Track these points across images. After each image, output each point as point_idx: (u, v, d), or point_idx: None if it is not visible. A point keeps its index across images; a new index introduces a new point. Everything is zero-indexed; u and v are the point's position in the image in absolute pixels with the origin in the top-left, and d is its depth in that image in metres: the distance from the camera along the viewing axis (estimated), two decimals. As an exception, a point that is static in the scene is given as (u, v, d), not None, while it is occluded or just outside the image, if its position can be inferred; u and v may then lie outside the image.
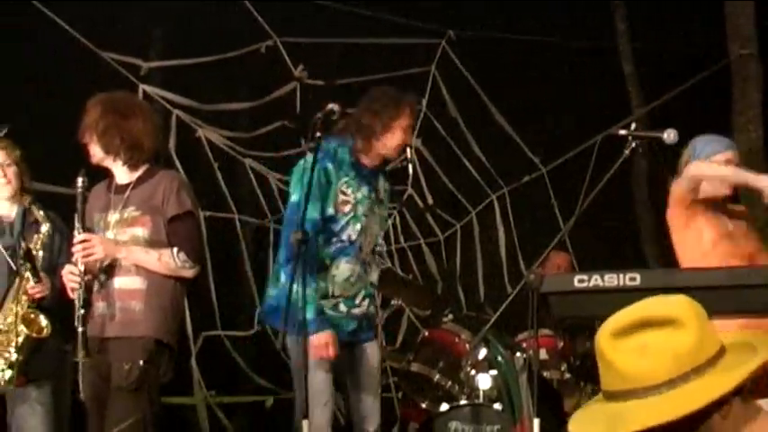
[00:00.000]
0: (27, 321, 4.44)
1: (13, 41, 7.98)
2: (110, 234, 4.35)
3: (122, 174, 4.44)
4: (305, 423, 3.95)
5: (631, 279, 2.58)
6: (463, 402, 5.01)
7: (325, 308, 4.55)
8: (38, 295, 4.48)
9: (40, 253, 4.54)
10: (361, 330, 4.68)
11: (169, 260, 4.29)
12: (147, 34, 9.17)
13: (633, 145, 3.94)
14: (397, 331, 8.04)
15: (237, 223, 8.06)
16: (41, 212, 4.58)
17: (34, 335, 4.44)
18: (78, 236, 4.28)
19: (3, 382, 4.41)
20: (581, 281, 2.74)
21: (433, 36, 8.08)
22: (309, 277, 4.28)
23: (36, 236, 4.57)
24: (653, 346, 1.83)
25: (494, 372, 5.07)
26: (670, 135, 3.95)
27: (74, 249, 4.28)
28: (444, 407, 5.01)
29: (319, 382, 4.44)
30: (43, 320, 4.47)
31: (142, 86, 7.14)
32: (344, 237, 4.57)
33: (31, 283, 4.43)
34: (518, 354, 5.21)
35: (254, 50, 7.62)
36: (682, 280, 2.65)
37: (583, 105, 10.09)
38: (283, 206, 7.81)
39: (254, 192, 8.07)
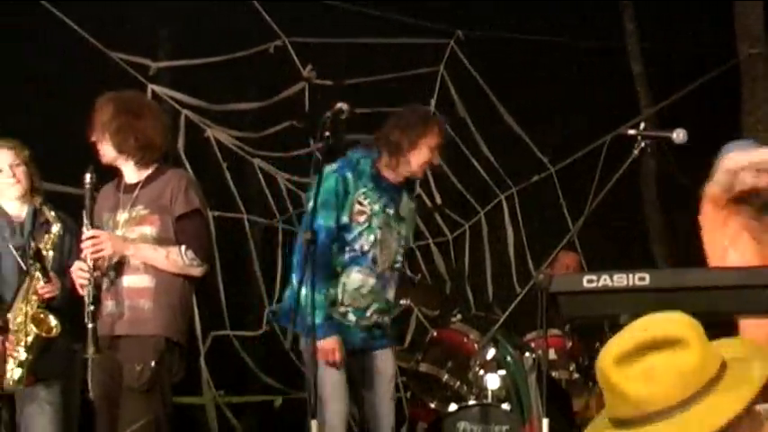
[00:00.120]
0: (37, 321, 4.46)
1: (22, 41, 7.99)
2: (119, 233, 4.37)
3: (131, 173, 4.45)
4: (313, 423, 3.96)
5: (640, 279, 2.57)
6: (472, 402, 5.01)
7: (334, 314, 4.58)
8: (48, 295, 4.49)
9: (51, 253, 4.56)
10: (373, 338, 4.71)
11: (177, 258, 4.29)
12: (155, 34, 9.18)
13: (642, 145, 3.93)
14: (406, 331, 8.03)
15: (246, 223, 8.06)
16: (52, 213, 4.60)
17: (44, 334, 4.46)
18: (87, 232, 4.29)
19: (12, 382, 4.42)
20: (590, 281, 2.73)
21: (442, 36, 8.08)
22: (321, 283, 4.30)
23: (46, 236, 4.58)
24: (659, 369, 1.79)
25: (502, 372, 5.07)
26: (679, 135, 3.94)
27: (83, 245, 4.29)
28: (453, 407, 5.01)
29: (332, 383, 4.46)
30: (53, 320, 4.48)
31: (151, 86, 7.15)
32: (357, 246, 4.60)
33: (41, 283, 4.45)
34: (527, 354, 5.21)
35: (262, 50, 7.63)
36: (691, 280, 2.64)
37: (591, 105, 10.07)
38: (292, 206, 7.84)
39: (262, 192, 8.07)
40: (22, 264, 4.55)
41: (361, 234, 4.61)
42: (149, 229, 4.34)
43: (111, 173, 4.54)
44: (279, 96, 7.89)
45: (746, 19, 8.19)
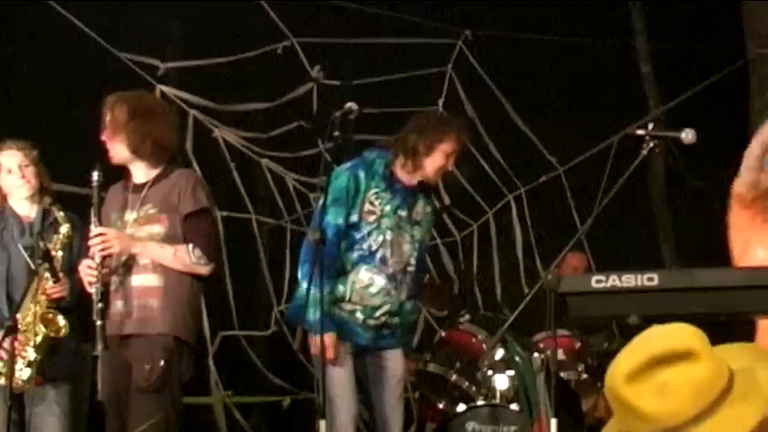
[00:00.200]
0: (46, 321, 4.47)
1: (31, 41, 8.01)
2: (127, 232, 4.37)
3: (140, 173, 4.45)
4: (322, 423, 3.96)
5: (649, 279, 2.56)
6: (480, 403, 5.00)
7: (342, 312, 4.57)
8: (56, 295, 4.50)
9: (60, 253, 4.57)
10: (382, 338, 4.69)
11: (184, 256, 4.29)
12: (164, 35, 9.20)
13: (651, 145, 3.91)
14: (414, 332, 8.03)
15: (254, 224, 8.07)
16: (61, 213, 4.61)
17: (52, 334, 4.47)
18: (95, 229, 4.29)
19: (21, 382, 4.43)
20: (598, 281, 2.72)
21: (450, 36, 8.08)
22: (324, 280, 4.29)
23: (55, 236, 4.59)
24: (672, 383, 1.77)
25: (511, 372, 5.06)
26: (688, 135, 3.92)
27: (90, 243, 4.29)
28: (461, 407, 5.00)
29: (340, 383, 4.46)
30: (61, 320, 4.49)
31: (159, 87, 7.16)
32: (365, 246, 4.61)
33: (50, 283, 4.46)
34: (535, 354, 5.20)
35: (270, 51, 7.64)
36: (700, 280, 2.63)
37: (600, 105, 10.06)
38: (300, 206, 7.84)
39: (270, 192, 8.08)
40: (32, 264, 4.56)
41: (369, 234, 4.61)
42: (158, 228, 4.34)
43: (117, 171, 4.54)
44: (287, 97, 7.90)
45: (755, 18, 8.17)
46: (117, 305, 4.33)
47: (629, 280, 2.62)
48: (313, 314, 4.33)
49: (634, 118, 6.95)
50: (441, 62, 8.05)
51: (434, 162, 4.67)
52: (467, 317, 5.81)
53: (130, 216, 4.39)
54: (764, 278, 2.73)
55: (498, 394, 5.03)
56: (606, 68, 10.19)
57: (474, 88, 8.11)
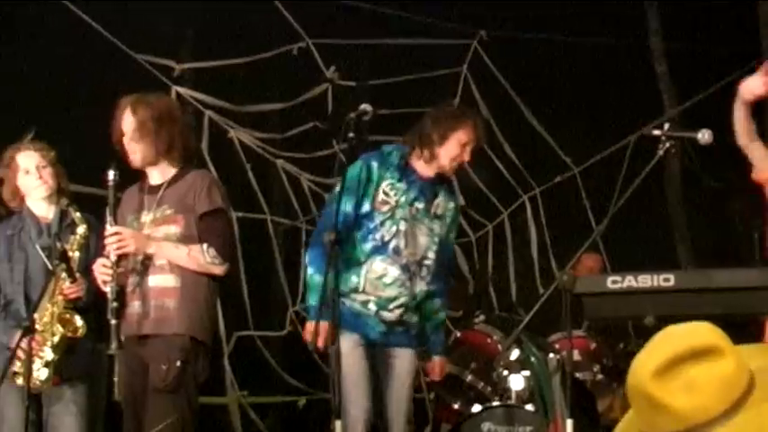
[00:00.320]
0: (63, 321, 4.49)
1: (46, 42, 8.04)
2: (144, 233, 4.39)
3: (157, 174, 4.46)
4: (338, 424, 3.95)
5: (665, 280, 2.57)
6: (496, 403, 4.99)
7: (355, 302, 4.56)
8: (73, 296, 4.52)
9: (77, 254, 4.58)
10: (393, 334, 4.65)
11: (198, 255, 4.30)
12: (179, 36, 9.22)
13: (667, 145, 3.90)
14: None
15: (270, 224, 8.08)
16: (78, 214, 4.63)
17: (69, 334, 4.49)
18: (110, 228, 4.31)
19: (38, 382, 4.45)
20: (614, 282, 2.73)
21: (465, 37, 8.08)
22: (326, 267, 4.21)
23: (72, 237, 4.61)
24: (701, 379, 1.77)
25: (526, 373, 5.05)
26: (704, 135, 3.92)
27: (106, 242, 4.30)
28: (477, 408, 5.00)
29: (354, 382, 4.45)
30: (78, 320, 4.51)
31: (175, 88, 7.18)
32: (378, 236, 4.59)
33: (67, 283, 4.48)
34: (551, 355, 5.19)
35: (285, 52, 7.65)
36: (716, 281, 2.64)
37: (615, 105, 10.03)
38: (315, 207, 7.85)
39: (286, 193, 8.09)
40: (49, 264, 4.58)
41: (383, 223, 4.59)
42: (174, 229, 4.35)
43: (133, 171, 4.55)
44: (302, 97, 7.92)
45: (771, 18, 8.15)
46: (134, 306, 4.34)
47: (646, 280, 2.63)
48: (311, 299, 4.34)
49: (649, 118, 6.94)
50: (456, 63, 8.06)
51: (449, 151, 4.65)
52: (482, 317, 5.81)
53: (147, 217, 4.41)
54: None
55: (514, 395, 5.02)
56: (622, 68, 10.17)
57: (489, 89, 8.12)
